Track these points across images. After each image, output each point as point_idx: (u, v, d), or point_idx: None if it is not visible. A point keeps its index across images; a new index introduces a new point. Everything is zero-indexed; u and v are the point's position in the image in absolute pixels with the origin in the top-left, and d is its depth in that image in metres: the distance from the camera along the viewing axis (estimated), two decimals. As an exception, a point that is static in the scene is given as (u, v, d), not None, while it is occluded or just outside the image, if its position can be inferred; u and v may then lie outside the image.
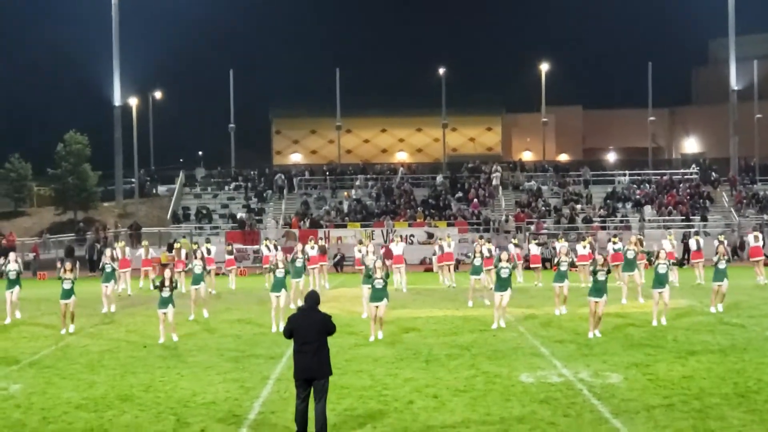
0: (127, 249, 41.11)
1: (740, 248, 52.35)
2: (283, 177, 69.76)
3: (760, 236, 40.39)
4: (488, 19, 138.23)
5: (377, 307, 25.48)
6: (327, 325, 15.39)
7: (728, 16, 70.12)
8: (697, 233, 43.76)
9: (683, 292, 35.40)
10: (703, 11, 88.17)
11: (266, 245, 42.26)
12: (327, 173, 72.13)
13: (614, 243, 38.35)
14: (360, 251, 39.19)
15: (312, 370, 15.13)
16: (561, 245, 36.79)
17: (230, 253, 42.64)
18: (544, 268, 45.08)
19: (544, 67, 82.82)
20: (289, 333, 15.54)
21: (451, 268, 41.48)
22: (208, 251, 39.81)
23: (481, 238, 41.50)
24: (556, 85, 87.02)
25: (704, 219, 61.06)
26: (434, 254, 44.21)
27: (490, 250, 36.99)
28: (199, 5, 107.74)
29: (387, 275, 26.10)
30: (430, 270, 46.20)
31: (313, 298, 15.76)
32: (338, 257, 52.94)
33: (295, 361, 15.38)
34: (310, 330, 15.25)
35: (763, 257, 39.06)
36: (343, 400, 17.73)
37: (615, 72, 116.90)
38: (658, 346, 23.33)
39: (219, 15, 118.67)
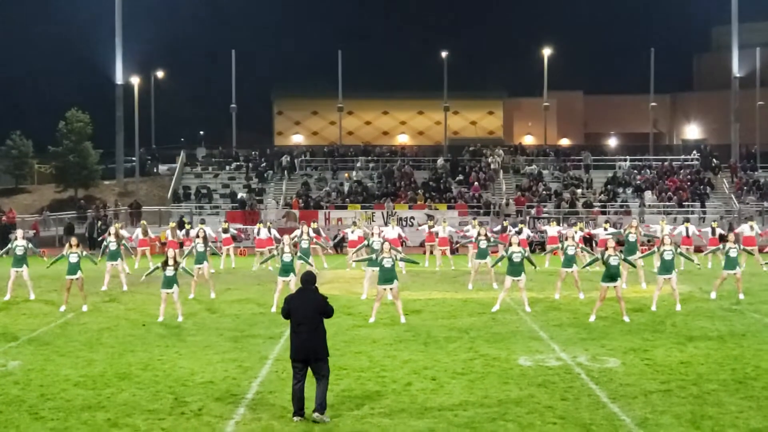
0: (122, 231, 41.07)
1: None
2: (289, 158, 69.77)
3: (756, 226, 40.31)
4: (491, 3, 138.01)
5: (386, 289, 25.45)
6: (323, 306, 15.40)
7: (731, 3, 70.02)
8: (687, 220, 43.70)
9: (682, 278, 35.38)
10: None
11: (259, 227, 42.21)
12: (333, 154, 71.98)
13: (605, 229, 38.42)
14: (353, 232, 39.25)
15: (308, 350, 15.20)
16: (565, 230, 36.92)
17: (225, 231, 42.43)
18: (533, 251, 45.18)
19: (547, 51, 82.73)
20: (286, 313, 15.59)
21: (446, 251, 41.53)
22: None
23: (474, 219, 41.47)
24: (558, 70, 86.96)
25: (702, 204, 61.07)
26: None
27: (478, 233, 37.04)
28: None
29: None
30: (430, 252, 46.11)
31: (308, 279, 15.76)
32: (338, 238, 52.90)
33: (292, 341, 15.43)
34: (306, 310, 15.30)
35: (756, 246, 39.02)
36: (341, 381, 17.76)
37: (617, 57, 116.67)
38: (656, 332, 23.37)
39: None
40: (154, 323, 25.21)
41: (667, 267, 27.21)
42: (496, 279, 32.56)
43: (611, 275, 25.34)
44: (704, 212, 59.04)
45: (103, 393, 17.08)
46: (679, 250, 29.23)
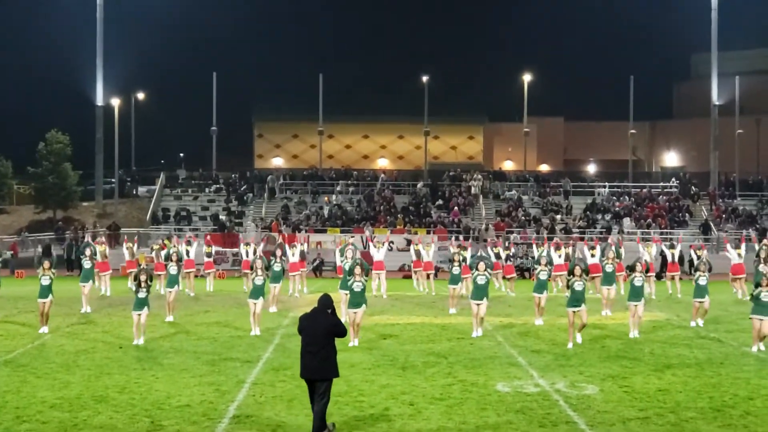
0: (107, 249, 40.87)
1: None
2: (275, 178, 69.84)
3: (743, 252, 40.13)
4: (472, 29, 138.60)
5: (355, 313, 25.49)
6: (332, 329, 15.70)
7: (711, 32, 70.49)
8: (672, 246, 43.76)
9: (660, 305, 35.49)
10: (686, 26, 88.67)
11: (246, 249, 42.06)
12: (313, 178, 71.94)
13: (592, 255, 38.41)
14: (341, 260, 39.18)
15: (313, 371, 15.52)
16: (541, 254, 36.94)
17: (209, 255, 42.38)
18: (522, 277, 45.24)
19: (527, 77, 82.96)
20: (299, 331, 15.95)
21: (431, 276, 41.48)
22: (188, 253, 39.56)
23: (456, 240, 41.39)
24: (538, 96, 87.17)
25: (707, 230, 61.24)
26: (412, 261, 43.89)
27: (465, 258, 36.91)
28: (183, 7, 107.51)
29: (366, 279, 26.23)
30: (409, 276, 46.19)
31: (323, 302, 16.00)
32: (317, 262, 52.88)
33: (301, 360, 15.72)
34: (316, 332, 15.64)
35: (744, 275, 38.90)
36: (319, 406, 17.69)
37: (597, 84, 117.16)
38: (634, 359, 23.38)
39: (203, 17, 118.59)
40: (131, 346, 25.10)
41: (637, 293, 27.28)
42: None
43: (576, 300, 25.41)
44: (704, 240, 59.16)
45: (80, 416, 16.97)
46: (649, 274, 29.21)
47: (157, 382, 20.07)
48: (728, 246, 41.64)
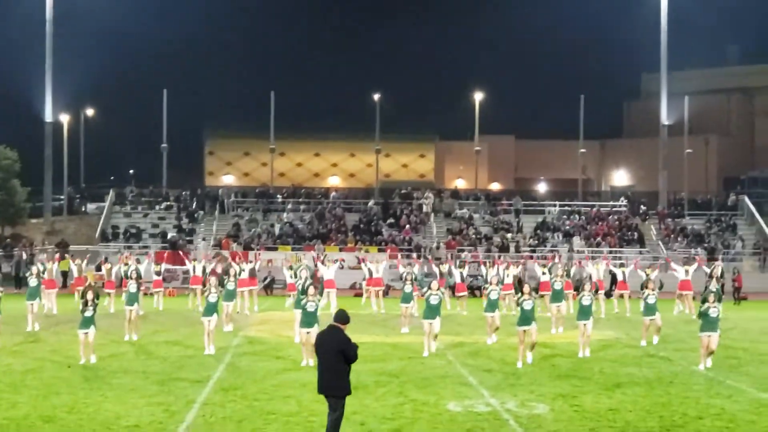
0: (54, 267, 40.46)
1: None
2: (226, 192, 69.66)
3: (691, 270, 40.42)
4: (423, 47, 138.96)
5: (308, 333, 25.34)
6: (342, 345, 15.59)
7: (661, 51, 71.08)
8: (623, 264, 44.00)
9: (610, 324, 35.65)
10: (637, 46, 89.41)
11: (194, 265, 41.77)
12: (264, 195, 71.71)
13: (543, 273, 38.54)
14: (291, 276, 39.05)
15: (324, 387, 15.56)
16: (491, 274, 37.01)
17: (158, 273, 42.06)
18: (473, 295, 45.26)
19: (478, 96, 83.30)
20: (315, 348, 16.10)
21: (380, 293, 41.46)
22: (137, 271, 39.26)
23: (407, 263, 41.38)
24: (489, 115, 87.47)
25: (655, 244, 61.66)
26: (364, 278, 44.01)
27: (416, 277, 36.84)
28: (133, 23, 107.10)
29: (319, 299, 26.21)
30: (360, 294, 46.11)
31: (337, 317, 16.20)
32: (268, 280, 52.66)
33: (317, 375, 15.68)
34: (329, 348, 15.63)
35: (692, 291, 39.24)
36: (269, 426, 17.61)
37: (548, 103, 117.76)
38: (584, 378, 23.47)
39: (154, 34, 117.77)
40: (79, 365, 24.83)
41: (585, 312, 27.38)
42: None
43: (525, 318, 25.42)
44: (654, 259, 59.57)
45: (26, 437, 16.78)
46: (601, 292, 29.39)
47: (106, 402, 19.88)
48: (672, 264, 42.18)
